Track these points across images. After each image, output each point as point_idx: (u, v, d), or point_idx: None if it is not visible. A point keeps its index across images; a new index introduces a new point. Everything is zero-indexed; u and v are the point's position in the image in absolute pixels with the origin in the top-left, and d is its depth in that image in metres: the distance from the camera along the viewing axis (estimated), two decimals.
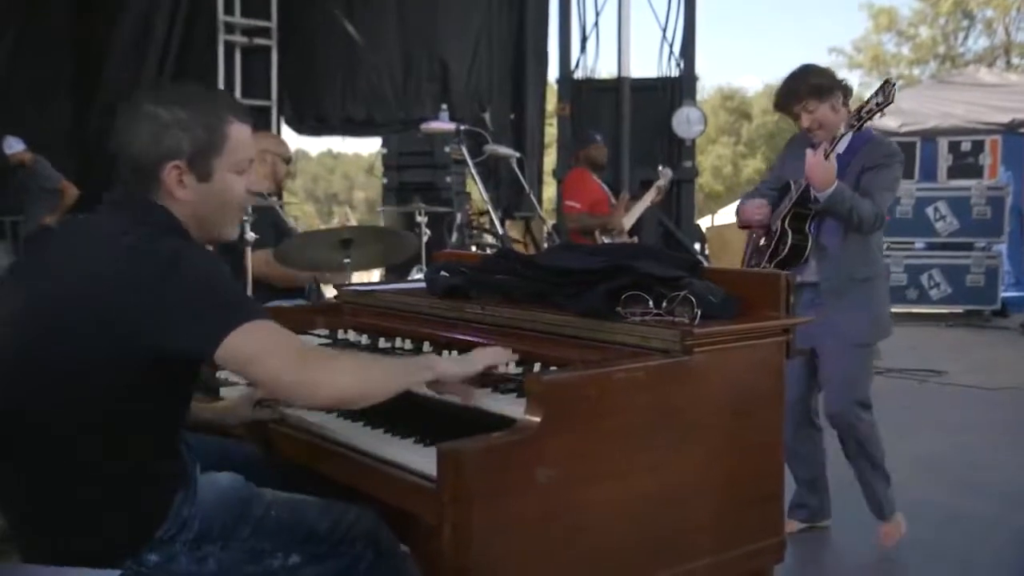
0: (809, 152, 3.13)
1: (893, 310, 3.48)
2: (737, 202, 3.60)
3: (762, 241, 3.37)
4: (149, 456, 1.68)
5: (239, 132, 1.78)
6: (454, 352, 2.08)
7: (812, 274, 3.25)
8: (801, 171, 3.18)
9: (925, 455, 3.73)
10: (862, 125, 3.10)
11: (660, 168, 6.91)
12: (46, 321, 1.63)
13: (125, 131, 1.73)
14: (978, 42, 27.53)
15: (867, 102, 3.08)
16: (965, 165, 9.59)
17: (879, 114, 3.09)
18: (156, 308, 1.58)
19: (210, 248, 1.87)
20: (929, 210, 9.33)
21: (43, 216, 7.40)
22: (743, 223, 3.45)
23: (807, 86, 3.22)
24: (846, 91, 3.26)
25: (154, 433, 1.70)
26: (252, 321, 1.61)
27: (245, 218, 3.58)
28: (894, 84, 3.07)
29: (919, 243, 9.55)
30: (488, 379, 1.91)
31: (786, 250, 3.22)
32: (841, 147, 3.18)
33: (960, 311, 9.32)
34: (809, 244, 3.22)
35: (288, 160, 4.14)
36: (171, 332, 1.59)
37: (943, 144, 9.83)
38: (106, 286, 1.61)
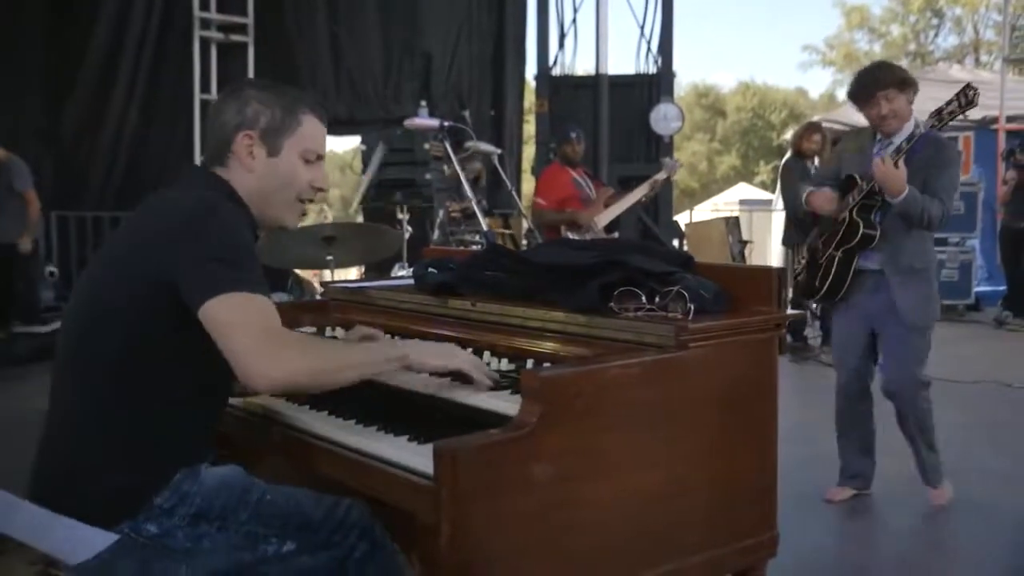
0: (877, 162, 3.35)
1: None
2: (798, 193, 3.89)
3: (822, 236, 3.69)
4: (169, 418, 1.72)
5: (313, 125, 1.91)
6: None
7: (876, 262, 3.53)
8: (860, 165, 3.52)
9: (900, 446, 3.79)
10: (943, 125, 3.33)
11: (665, 160, 6.93)
12: (107, 262, 1.80)
13: (217, 108, 1.90)
14: (948, 40, 27.87)
15: (949, 103, 3.30)
16: None
17: (960, 116, 3.32)
18: (174, 246, 1.67)
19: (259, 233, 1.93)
20: None
21: (10, 227, 7.14)
22: (814, 211, 3.74)
23: (893, 76, 3.47)
24: (916, 90, 3.49)
25: (177, 396, 1.73)
26: (242, 292, 1.63)
27: None
28: (976, 89, 3.30)
29: None
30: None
31: (856, 239, 3.50)
32: (899, 140, 3.41)
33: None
34: (877, 234, 3.48)
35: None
36: (178, 273, 1.65)
37: None
38: (150, 228, 1.74)
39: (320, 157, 1.93)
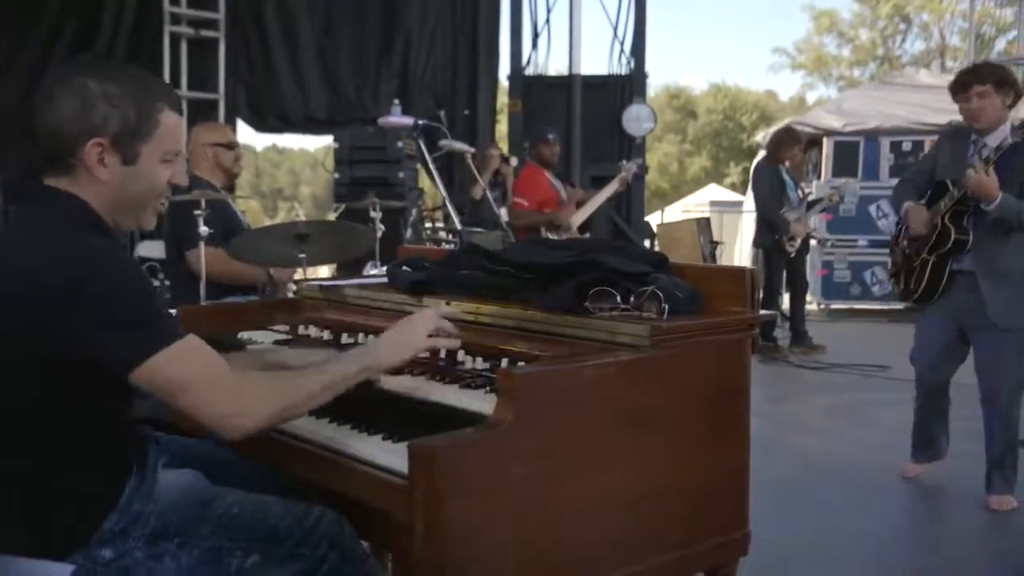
0: (970, 172, 3.45)
1: (835, 307, 3.81)
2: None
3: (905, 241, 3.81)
4: (87, 444, 1.64)
5: (170, 121, 1.70)
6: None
7: (969, 264, 3.62)
8: (953, 168, 3.61)
9: (872, 444, 3.85)
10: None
11: (624, 162, 6.97)
12: None
13: (49, 102, 1.61)
14: (915, 45, 28.24)
15: None
16: (906, 164, 9.79)
17: None
18: (75, 317, 1.52)
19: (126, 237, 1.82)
20: (872, 208, 9.53)
21: None
22: (912, 231, 3.77)
23: (992, 73, 3.57)
24: (1017, 97, 3.58)
25: (89, 422, 1.64)
26: (174, 344, 1.56)
27: (198, 212, 3.52)
28: None
29: (862, 240, 9.75)
30: (452, 372, 1.90)
31: (950, 244, 3.59)
32: (995, 143, 3.51)
33: (902, 307, 9.52)
34: (971, 239, 3.58)
35: (231, 146, 4.05)
36: (89, 344, 1.53)
37: (885, 144, 10.04)
38: (27, 284, 1.54)
39: (179, 153, 1.75)
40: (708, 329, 1.90)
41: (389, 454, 1.65)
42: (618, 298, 1.91)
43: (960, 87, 3.59)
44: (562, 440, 1.65)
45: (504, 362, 1.95)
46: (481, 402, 1.75)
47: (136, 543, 1.63)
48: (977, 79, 3.54)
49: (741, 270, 2.04)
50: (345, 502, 1.77)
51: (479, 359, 1.99)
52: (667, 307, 1.88)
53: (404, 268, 2.45)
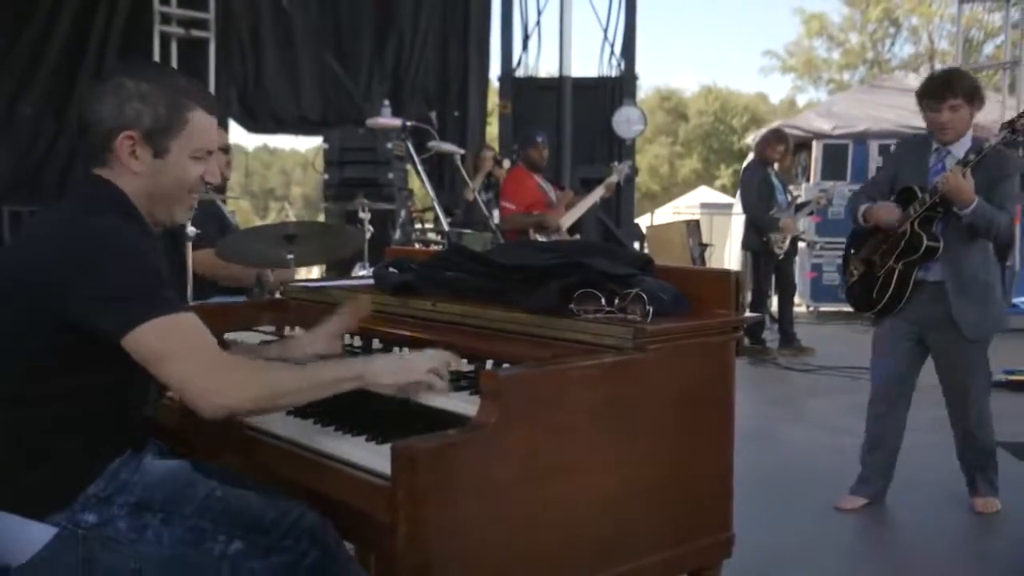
0: (947, 174, 3.38)
1: (824, 309, 3.76)
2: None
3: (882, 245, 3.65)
4: (85, 411, 1.69)
5: (202, 120, 1.80)
6: (405, 349, 2.06)
7: (936, 273, 3.53)
8: (917, 175, 3.55)
9: (859, 447, 3.85)
10: (1016, 139, 3.43)
11: (615, 164, 6.98)
12: None
13: (90, 99, 1.76)
14: (904, 49, 28.36)
15: (1021, 116, 3.41)
16: None
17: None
18: (75, 279, 1.61)
19: (155, 231, 1.87)
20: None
21: None
22: (874, 224, 3.66)
23: (966, 85, 3.48)
24: (981, 105, 3.52)
25: (91, 393, 1.70)
26: (168, 315, 1.61)
27: None
28: None
29: None
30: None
31: (920, 251, 3.50)
32: (959, 152, 3.46)
33: None
34: (941, 245, 3.49)
35: (225, 149, 4.03)
36: (86, 307, 1.60)
37: (873, 147, 10.08)
38: (39, 255, 1.67)
39: (211, 152, 1.85)
40: (692, 331, 1.90)
41: (373, 455, 1.65)
42: (603, 300, 1.92)
43: (932, 96, 3.49)
44: (545, 442, 1.66)
45: (489, 364, 1.95)
46: (466, 404, 1.75)
47: (120, 511, 1.68)
48: (951, 92, 3.44)
49: (726, 273, 2.04)
50: (330, 504, 1.78)
51: (464, 360, 1.99)
52: (651, 309, 1.88)
53: (391, 269, 2.45)
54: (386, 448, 1.56)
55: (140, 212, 1.79)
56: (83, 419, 1.70)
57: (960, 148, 3.48)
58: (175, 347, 1.61)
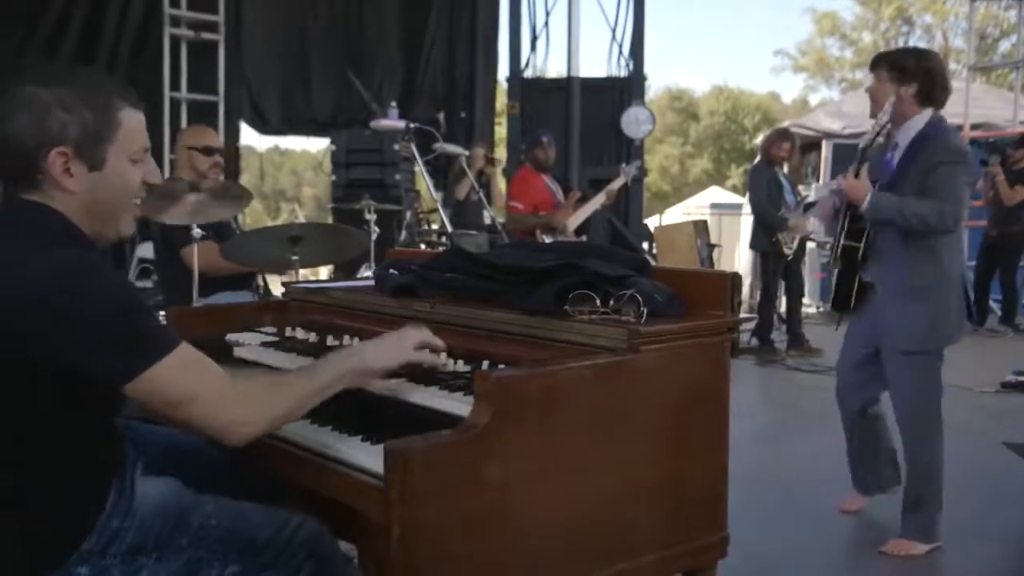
0: (840, 179, 3.33)
1: None
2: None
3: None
4: (67, 461, 1.60)
5: (132, 119, 1.64)
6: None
7: (872, 275, 3.37)
8: (875, 169, 3.35)
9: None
10: (875, 136, 3.31)
11: (623, 166, 6.98)
12: None
13: (1, 118, 1.55)
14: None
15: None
16: None
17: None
18: (66, 333, 1.48)
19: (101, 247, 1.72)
20: None
21: None
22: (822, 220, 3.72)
23: (889, 59, 3.30)
24: (928, 88, 3.23)
25: (72, 435, 1.60)
26: (170, 354, 1.54)
27: None
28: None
29: None
30: (434, 375, 1.92)
31: (839, 252, 3.42)
32: (904, 141, 3.27)
33: None
34: (861, 247, 3.35)
35: (209, 151, 3.94)
36: (83, 360, 1.50)
37: None
38: (10, 305, 1.48)
39: (147, 150, 1.68)
40: (686, 332, 1.91)
41: (368, 455, 1.66)
42: (597, 301, 1.93)
43: (871, 68, 3.38)
44: (538, 442, 1.66)
45: (485, 364, 1.97)
46: (460, 404, 1.76)
47: (113, 560, 1.61)
48: (874, 63, 3.33)
49: (721, 274, 2.05)
50: (329, 503, 1.79)
51: (460, 361, 2.01)
52: (645, 310, 1.89)
53: (391, 271, 2.47)
54: (381, 448, 1.57)
55: (83, 233, 1.62)
56: (69, 473, 1.60)
57: (906, 135, 3.27)
58: (191, 387, 1.55)
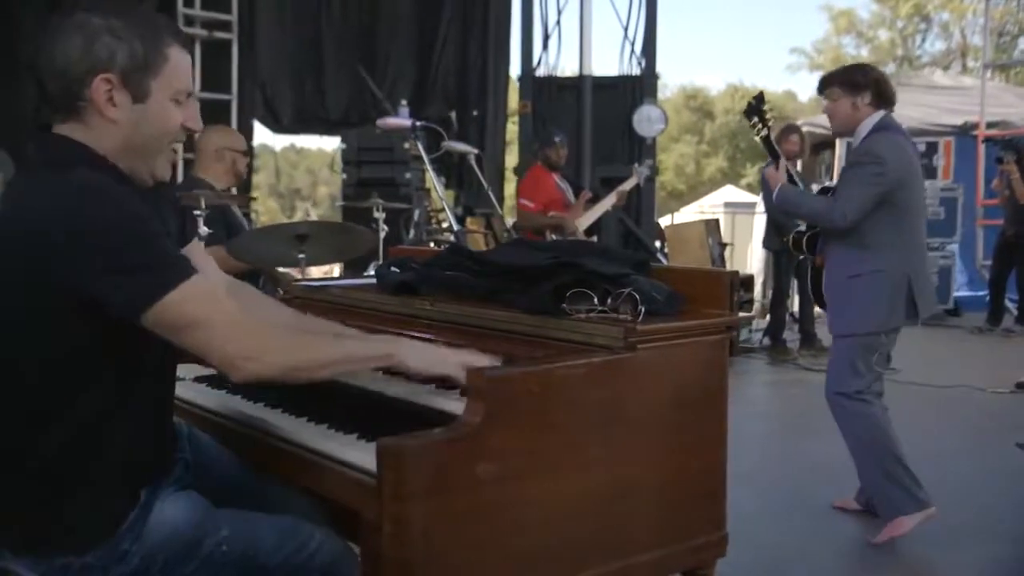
0: (767, 169, 3.67)
1: None
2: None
3: None
4: (99, 429, 1.56)
5: (180, 57, 1.62)
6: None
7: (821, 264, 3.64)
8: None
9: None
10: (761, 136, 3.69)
11: (635, 166, 6.97)
12: None
13: (51, 42, 1.54)
14: (935, 45, 28.01)
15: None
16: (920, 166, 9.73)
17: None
18: (80, 261, 1.46)
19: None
20: None
21: None
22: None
23: (841, 75, 3.55)
24: (877, 91, 3.47)
25: (106, 396, 1.57)
26: (186, 281, 1.51)
27: (198, 212, 3.55)
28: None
29: None
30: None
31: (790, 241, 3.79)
32: (856, 142, 3.52)
33: None
34: (804, 240, 3.67)
35: (246, 153, 4.12)
36: (96, 288, 1.47)
37: None
38: (28, 234, 1.49)
39: (190, 95, 1.66)
40: (684, 331, 1.90)
41: (362, 453, 1.66)
42: (595, 300, 1.92)
43: (820, 93, 3.65)
44: (532, 440, 1.66)
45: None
46: (456, 402, 1.76)
47: None
48: (823, 86, 3.56)
49: (720, 273, 2.04)
50: (327, 503, 1.79)
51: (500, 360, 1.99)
52: (643, 309, 1.89)
53: (392, 269, 2.47)
54: (375, 446, 1.57)
55: (118, 168, 1.60)
56: (108, 442, 1.58)
57: (858, 140, 3.51)
58: (204, 313, 1.51)
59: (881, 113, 3.47)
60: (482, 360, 1.76)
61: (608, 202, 6.47)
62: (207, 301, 1.54)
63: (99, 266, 1.47)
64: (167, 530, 1.61)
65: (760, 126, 3.69)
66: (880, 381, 3.56)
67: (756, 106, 3.73)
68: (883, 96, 3.48)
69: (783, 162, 3.59)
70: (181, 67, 1.63)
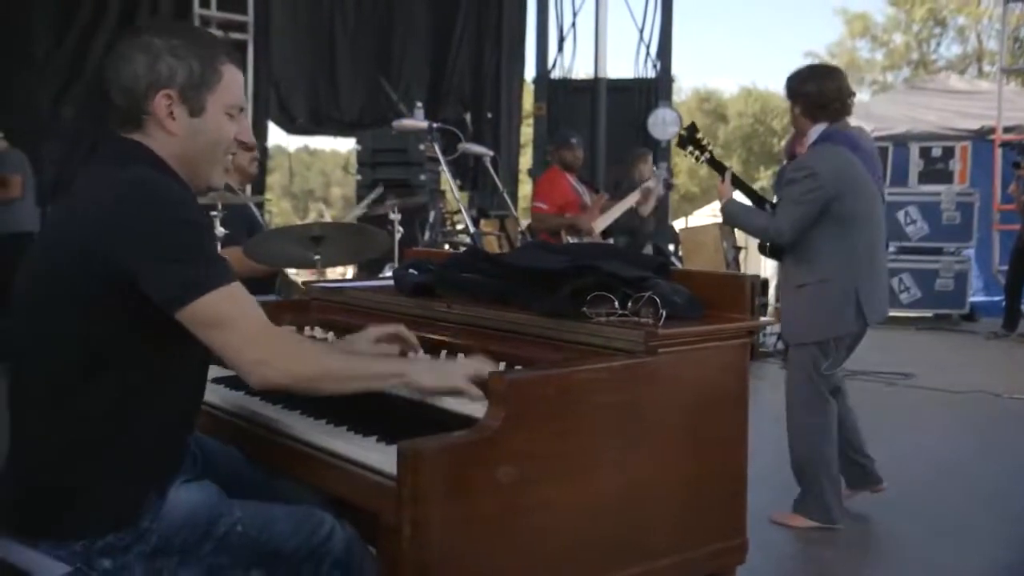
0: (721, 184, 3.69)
1: None
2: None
3: None
4: (133, 410, 1.63)
5: (233, 74, 1.76)
6: (443, 353, 2.06)
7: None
8: None
9: (891, 455, 3.81)
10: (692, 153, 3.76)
11: (654, 169, 6.95)
12: (41, 263, 1.66)
13: (118, 60, 1.70)
14: (951, 49, 27.86)
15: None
16: (936, 171, 9.67)
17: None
18: (133, 237, 1.56)
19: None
20: (900, 214, 9.42)
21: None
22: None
23: (791, 86, 3.54)
24: (806, 103, 3.48)
25: (143, 405, 1.64)
26: (227, 284, 1.59)
27: (215, 213, 3.56)
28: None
29: (890, 247, 9.62)
30: None
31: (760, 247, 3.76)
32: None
33: (929, 315, 9.41)
34: (766, 251, 3.67)
35: (249, 148, 3.95)
36: (141, 275, 1.56)
37: (914, 149, 9.92)
38: (88, 219, 1.59)
39: (242, 109, 1.80)
40: (704, 336, 1.89)
41: (381, 456, 1.66)
42: (615, 303, 1.91)
43: None
44: (552, 444, 1.66)
45: (501, 366, 1.96)
46: (474, 405, 1.75)
47: (136, 559, 1.63)
48: (789, 94, 3.55)
49: (741, 277, 2.03)
50: (344, 505, 1.79)
51: (502, 365, 1.98)
52: (664, 313, 1.87)
53: (410, 271, 2.47)
54: (395, 449, 1.57)
55: (178, 174, 1.72)
56: (136, 435, 1.64)
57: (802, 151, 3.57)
58: (231, 315, 1.59)
59: (823, 125, 3.45)
60: (488, 366, 1.80)
61: (627, 203, 6.44)
62: (241, 305, 1.62)
63: (151, 253, 1.56)
64: (184, 512, 1.67)
65: (699, 153, 3.74)
66: (840, 383, 3.69)
67: (689, 136, 3.80)
68: (820, 106, 3.44)
69: (728, 174, 3.63)
70: (234, 83, 1.76)
